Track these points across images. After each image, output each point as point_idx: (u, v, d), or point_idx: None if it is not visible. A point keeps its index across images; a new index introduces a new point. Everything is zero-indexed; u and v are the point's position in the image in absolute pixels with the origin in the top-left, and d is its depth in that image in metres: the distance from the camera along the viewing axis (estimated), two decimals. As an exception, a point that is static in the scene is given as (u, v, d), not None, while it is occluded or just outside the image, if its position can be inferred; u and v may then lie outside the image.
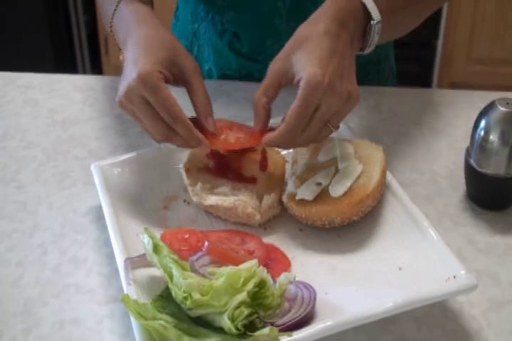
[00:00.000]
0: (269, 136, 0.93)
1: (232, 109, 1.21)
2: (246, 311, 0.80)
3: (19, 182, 1.09)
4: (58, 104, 1.24)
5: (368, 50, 1.00)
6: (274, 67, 0.96)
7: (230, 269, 0.82)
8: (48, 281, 0.94)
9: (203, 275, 0.85)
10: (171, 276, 0.83)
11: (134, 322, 0.81)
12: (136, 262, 0.88)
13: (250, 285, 0.81)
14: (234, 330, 0.79)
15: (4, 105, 1.25)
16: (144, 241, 0.87)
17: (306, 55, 0.93)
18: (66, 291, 0.93)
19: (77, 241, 0.99)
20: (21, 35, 2.66)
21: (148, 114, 0.93)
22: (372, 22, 0.96)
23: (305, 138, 0.93)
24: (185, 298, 0.80)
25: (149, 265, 0.87)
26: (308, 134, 0.92)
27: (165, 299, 0.83)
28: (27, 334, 0.88)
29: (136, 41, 0.97)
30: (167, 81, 0.95)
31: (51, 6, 2.66)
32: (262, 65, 1.25)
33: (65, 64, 2.77)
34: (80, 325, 0.89)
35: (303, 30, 0.96)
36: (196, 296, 0.80)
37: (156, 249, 0.86)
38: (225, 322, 0.79)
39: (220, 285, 0.80)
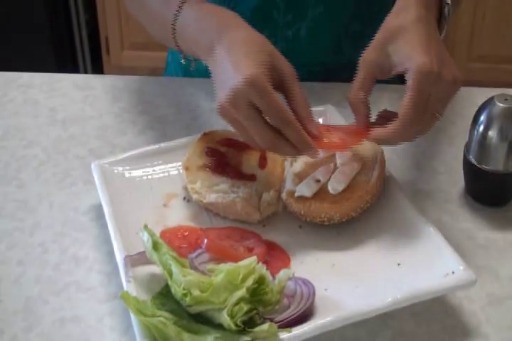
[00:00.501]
0: (382, 132, 0.91)
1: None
2: (245, 307, 0.80)
3: (20, 181, 1.09)
4: (59, 104, 1.25)
5: (443, 34, 0.98)
6: (368, 58, 0.93)
7: (229, 266, 0.82)
8: (48, 279, 0.94)
9: (203, 273, 0.85)
10: (170, 273, 0.83)
11: (133, 319, 0.81)
12: (135, 260, 0.89)
13: (249, 282, 0.81)
14: (233, 326, 0.79)
15: (5, 104, 1.25)
16: (143, 238, 0.87)
17: (407, 44, 0.91)
18: (67, 289, 0.93)
19: (77, 240, 1.00)
20: (22, 34, 2.66)
21: (255, 120, 0.88)
22: (446, 5, 0.96)
23: (416, 131, 0.91)
24: (185, 295, 0.80)
25: (149, 262, 0.87)
26: (420, 126, 0.91)
27: (164, 296, 0.83)
28: (28, 332, 0.88)
29: (230, 44, 0.93)
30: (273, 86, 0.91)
31: (52, 5, 2.66)
32: None
33: (66, 63, 2.77)
34: (80, 322, 0.89)
35: (393, 20, 0.94)
36: (196, 293, 0.80)
37: (155, 246, 0.86)
38: (224, 319, 0.79)
39: (219, 282, 0.80)
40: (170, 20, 1.01)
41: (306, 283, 0.87)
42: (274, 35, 1.23)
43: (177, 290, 0.81)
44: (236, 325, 0.79)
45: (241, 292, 0.80)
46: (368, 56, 0.93)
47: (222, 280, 0.80)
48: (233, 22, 0.97)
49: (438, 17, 0.98)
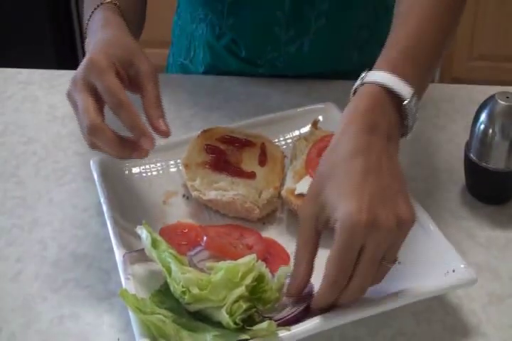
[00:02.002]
0: (315, 301, 0.81)
1: (232, 104, 1.21)
2: (244, 305, 0.80)
3: (19, 177, 1.09)
4: (58, 100, 1.24)
5: (410, 132, 0.86)
6: (305, 213, 0.81)
7: (228, 264, 0.82)
8: (47, 276, 0.94)
9: (202, 270, 0.85)
10: (169, 271, 0.83)
11: (132, 316, 0.81)
12: (134, 257, 0.88)
13: (249, 280, 0.80)
14: (232, 324, 0.79)
15: (4, 101, 1.25)
16: (142, 236, 0.87)
17: (335, 189, 0.78)
18: (65, 286, 0.93)
19: (76, 237, 0.99)
20: (22, 31, 2.66)
21: (85, 99, 0.87)
22: (404, 102, 0.82)
23: (359, 286, 0.79)
24: (184, 293, 0.80)
25: (148, 260, 0.87)
26: (360, 281, 0.78)
27: (163, 294, 0.83)
28: (26, 329, 0.88)
29: (96, 42, 0.94)
30: (122, 80, 0.90)
31: (53, 2, 2.66)
32: (262, 68, 1.25)
33: (67, 60, 2.77)
34: (79, 319, 0.89)
35: (326, 160, 0.81)
36: (195, 291, 0.80)
37: (154, 243, 0.85)
38: (223, 317, 0.79)
39: (219, 280, 0.80)
40: (85, 23, 1.03)
41: None
42: (278, 50, 1.23)
43: (176, 288, 0.81)
44: (235, 323, 0.79)
45: (240, 290, 0.79)
46: (304, 210, 0.81)
47: (222, 278, 0.80)
48: (107, 23, 0.99)
49: (398, 119, 0.84)
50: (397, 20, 0.93)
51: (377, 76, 0.83)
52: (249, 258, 0.82)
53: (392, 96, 0.82)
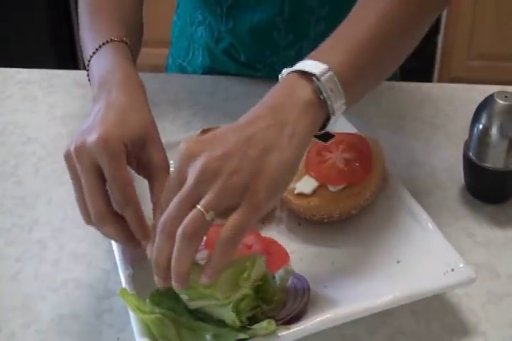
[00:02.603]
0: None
1: (231, 104, 1.21)
2: (250, 304, 0.80)
3: (18, 177, 1.09)
4: (58, 100, 1.24)
5: (337, 112, 0.81)
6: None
7: (233, 262, 0.81)
8: (47, 276, 0.94)
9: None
10: None
11: (132, 316, 0.81)
12: (134, 256, 0.88)
13: (254, 279, 0.80)
14: (238, 323, 0.78)
15: (3, 100, 1.25)
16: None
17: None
18: (65, 286, 0.93)
19: (76, 236, 0.99)
20: (22, 30, 2.66)
21: (94, 182, 0.80)
22: (313, 77, 0.80)
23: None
24: (188, 289, 0.79)
25: (148, 259, 0.87)
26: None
27: (161, 294, 0.82)
28: (26, 328, 0.88)
29: (110, 105, 0.85)
30: (130, 162, 0.83)
31: (52, 1, 2.66)
32: (261, 72, 1.25)
33: (66, 59, 2.77)
34: (78, 319, 0.89)
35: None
36: (200, 288, 0.79)
37: None
38: (229, 315, 0.78)
39: (225, 278, 0.79)
40: (88, 55, 0.97)
41: (298, 277, 0.87)
42: (277, 55, 1.22)
43: None
44: (241, 321, 0.79)
45: (246, 289, 0.79)
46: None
47: (228, 276, 0.79)
48: (125, 79, 0.90)
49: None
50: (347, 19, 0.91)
51: (296, 66, 0.83)
52: (254, 257, 0.82)
53: (304, 76, 0.81)
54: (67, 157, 0.82)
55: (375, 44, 0.86)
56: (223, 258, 0.75)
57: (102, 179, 0.80)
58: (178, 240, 0.73)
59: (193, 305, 0.80)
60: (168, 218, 0.74)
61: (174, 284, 0.76)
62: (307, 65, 0.81)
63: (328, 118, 0.81)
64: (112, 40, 0.96)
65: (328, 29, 1.19)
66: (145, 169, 0.84)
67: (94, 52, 0.95)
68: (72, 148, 0.81)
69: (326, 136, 0.85)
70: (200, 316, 0.81)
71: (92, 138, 0.79)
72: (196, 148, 0.76)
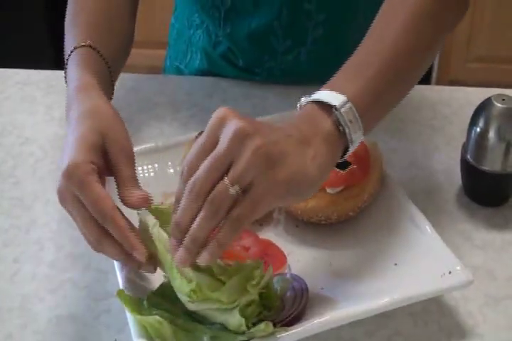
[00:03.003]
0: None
1: (229, 105, 1.20)
2: (257, 310, 0.80)
3: (16, 178, 1.09)
4: (56, 101, 1.24)
5: (352, 146, 0.82)
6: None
7: (241, 266, 0.81)
8: (44, 277, 0.94)
9: None
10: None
11: (129, 317, 0.81)
12: None
13: (261, 285, 0.80)
14: (245, 328, 0.78)
15: (2, 101, 1.24)
16: (148, 223, 0.83)
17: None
18: (62, 287, 0.93)
19: (73, 237, 0.99)
20: (20, 31, 2.66)
21: (79, 212, 0.80)
22: (334, 109, 0.80)
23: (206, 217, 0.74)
24: (194, 291, 0.78)
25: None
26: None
27: (158, 296, 0.82)
28: (23, 329, 0.88)
29: (73, 120, 0.86)
30: (102, 172, 0.82)
31: (50, 2, 2.66)
32: (260, 76, 1.25)
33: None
34: (76, 320, 0.89)
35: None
36: (205, 290, 0.78)
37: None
38: (235, 319, 0.78)
39: (234, 283, 0.79)
40: (66, 60, 0.97)
41: (297, 279, 0.87)
42: (275, 60, 1.22)
43: (183, 285, 0.78)
44: (247, 326, 0.78)
45: (253, 294, 0.79)
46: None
47: (236, 281, 0.79)
48: (84, 89, 0.89)
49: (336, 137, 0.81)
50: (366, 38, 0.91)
51: (313, 96, 0.83)
52: (258, 263, 0.81)
53: (323, 107, 0.81)
54: (60, 202, 0.82)
55: (393, 68, 0.87)
56: (231, 234, 0.75)
57: (86, 208, 0.80)
58: (205, 207, 0.74)
59: (193, 307, 0.79)
60: (197, 180, 0.74)
61: (181, 252, 0.76)
62: (326, 95, 0.82)
63: (346, 148, 0.82)
64: (75, 47, 0.96)
65: (326, 34, 1.19)
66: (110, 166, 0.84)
67: (66, 63, 0.96)
68: (57, 191, 0.81)
69: (344, 164, 0.92)
70: (198, 318, 0.81)
71: (61, 177, 0.80)
72: (230, 112, 0.79)
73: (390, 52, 0.87)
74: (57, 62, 2.82)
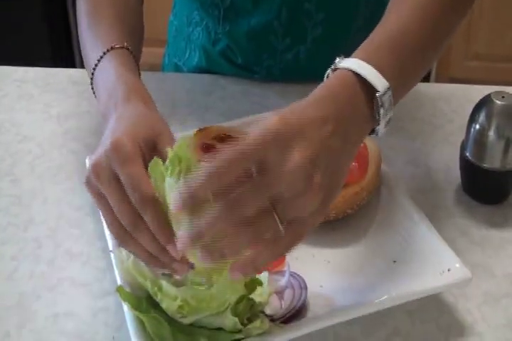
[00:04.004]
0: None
1: (228, 103, 1.21)
2: (248, 304, 0.80)
3: (14, 176, 1.09)
4: (54, 98, 1.24)
5: (382, 130, 0.79)
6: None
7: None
8: (42, 275, 0.94)
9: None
10: (159, 288, 0.79)
11: (128, 314, 0.81)
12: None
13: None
14: (239, 326, 0.78)
15: (-1, 99, 1.25)
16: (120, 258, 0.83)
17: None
18: (61, 285, 0.93)
19: (72, 235, 0.99)
20: (19, 28, 2.65)
21: (118, 192, 0.74)
22: (378, 96, 0.76)
23: (244, 235, 0.67)
24: (182, 307, 0.77)
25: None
26: (245, 212, 0.67)
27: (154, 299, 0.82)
28: (21, 327, 0.88)
29: (118, 118, 0.82)
30: (146, 165, 0.76)
31: (49, 0, 2.66)
32: (258, 75, 1.25)
33: (62, 58, 2.77)
34: (74, 318, 0.89)
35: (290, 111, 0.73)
36: (192, 302, 0.77)
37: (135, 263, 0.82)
38: (229, 320, 0.78)
39: (219, 289, 0.79)
40: (91, 68, 0.94)
41: (295, 276, 0.87)
42: (274, 58, 1.22)
43: (170, 304, 0.78)
44: (242, 323, 0.78)
45: (241, 289, 0.79)
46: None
47: (222, 285, 0.79)
48: (132, 94, 0.86)
49: (369, 115, 0.77)
50: (389, 9, 0.89)
51: (352, 62, 0.78)
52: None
53: (365, 87, 0.77)
54: (88, 182, 0.76)
55: (424, 52, 0.85)
56: (271, 259, 0.70)
57: (122, 189, 0.74)
58: (245, 233, 0.67)
59: (187, 320, 0.79)
60: (239, 203, 0.66)
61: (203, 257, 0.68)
62: (371, 73, 0.77)
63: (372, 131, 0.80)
64: (112, 47, 0.93)
65: (325, 34, 1.19)
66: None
67: (96, 64, 0.93)
68: (89, 168, 0.76)
69: None
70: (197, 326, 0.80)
71: (103, 148, 0.76)
72: (286, 138, 0.68)
73: (421, 35, 0.84)
74: (55, 59, 2.82)
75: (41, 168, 1.10)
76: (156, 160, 0.74)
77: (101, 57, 0.93)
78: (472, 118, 0.99)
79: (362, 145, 0.97)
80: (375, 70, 0.77)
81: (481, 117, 0.98)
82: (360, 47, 0.82)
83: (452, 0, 0.89)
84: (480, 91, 1.11)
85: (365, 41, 0.83)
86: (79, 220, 1.01)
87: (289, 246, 0.71)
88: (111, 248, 0.89)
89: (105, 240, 0.91)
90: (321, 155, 0.70)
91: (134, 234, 0.74)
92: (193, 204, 0.66)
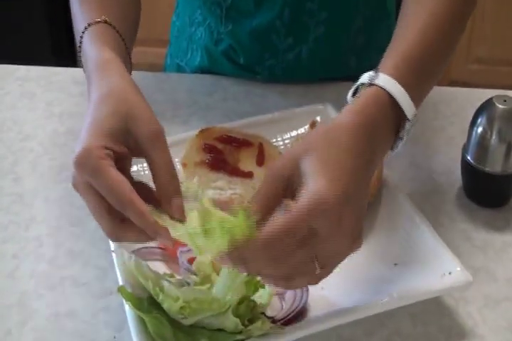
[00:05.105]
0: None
1: (229, 103, 1.21)
2: (250, 305, 0.80)
3: (16, 174, 1.09)
4: (56, 97, 1.24)
5: (397, 149, 0.84)
6: (275, 169, 0.76)
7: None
8: (43, 274, 0.94)
9: (188, 269, 0.85)
10: (161, 288, 0.80)
11: (129, 314, 0.81)
12: (143, 254, 0.88)
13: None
14: (241, 327, 0.78)
15: (1, 97, 1.24)
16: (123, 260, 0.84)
17: (319, 162, 0.74)
18: (62, 284, 0.93)
19: (73, 234, 0.99)
20: (20, 27, 2.65)
21: (94, 202, 0.76)
22: (407, 123, 0.81)
23: (283, 271, 0.73)
24: (183, 308, 0.77)
25: (145, 259, 0.86)
26: (289, 263, 0.72)
27: (155, 300, 0.82)
28: (22, 326, 0.88)
29: (93, 100, 0.81)
30: (121, 155, 0.77)
31: (50, -1, 2.66)
32: (260, 75, 1.25)
33: (64, 57, 2.77)
34: (75, 317, 0.89)
35: (316, 134, 0.78)
36: (193, 303, 0.78)
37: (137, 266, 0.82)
38: (230, 321, 0.78)
39: (219, 286, 0.79)
40: (78, 42, 0.93)
41: None
42: (276, 58, 1.22)
43: (171, 305, 0.78)
44: (243, 324, 0.78)
45: (242, 290, 0.79)
46: (274, 167, 0.76)
47: (224, 281, 0.79)
48: (102, 68, 0.85)
49: (393, 135, 0.83)
50: (402, 22, 0.90)
51: (387, 82, 0.81)
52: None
53: (397, 110, 0.81)
54: (74, 187, 0.79)
55: (441, 61, 0.89)
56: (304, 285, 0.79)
57: (99, 196, 0.76)
58: (281, 268, 0.73)
59: (189, 321, 0.79)
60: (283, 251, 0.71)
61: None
62: (402, 97, 0.80)
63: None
64: (89, 24, 0.92)
65: (328, 33, 1.19)
66: (138, 150, 0.79)
67: (79, 46, 0.92)
68: (71, 178, 0.78)
69: None
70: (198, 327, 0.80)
71: (74, 164, 0.77)
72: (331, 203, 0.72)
73: (440, 47, 0.88)
74: (57, 58, 2.82)
75: (43, 166, 1.10)
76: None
77: (83, 33, 0.92)
78: (474, 122, 0.99)
79: None
80: (406, 95, 0.81)
81: (483, 121, 0.98)
82: (387, 63, 0.84)
83: (460, 4, 0.91)
84: (481, 94, 1.11)
85: (389, 55, 0.85)
86: (80, 219, 1.01)
87: (321, 278, 0.77)
88: (112, 248, 0.89)
89: (106, 239, 0.90)
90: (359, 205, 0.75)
91: (118, 239, 0.78)
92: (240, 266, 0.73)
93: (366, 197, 0.77)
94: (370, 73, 0.82)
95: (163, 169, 0.77)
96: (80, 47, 0.92)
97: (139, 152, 0.78)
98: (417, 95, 0.83)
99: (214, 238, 0.71)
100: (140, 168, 1.03)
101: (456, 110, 1.20)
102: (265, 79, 1.25)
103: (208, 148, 1.02)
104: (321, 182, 0.71)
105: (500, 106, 0.97)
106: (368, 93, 0.80)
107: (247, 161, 1.01)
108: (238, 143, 1.03)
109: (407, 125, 0.82)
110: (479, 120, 0.99)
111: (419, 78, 0.84)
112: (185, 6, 1.30)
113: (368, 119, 0.78)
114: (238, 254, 0.71)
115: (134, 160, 0.98)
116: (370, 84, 0.81)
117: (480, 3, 1.00)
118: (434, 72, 0.88)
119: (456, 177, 1.06)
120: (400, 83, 0.80)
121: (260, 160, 1.02)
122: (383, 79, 0.81)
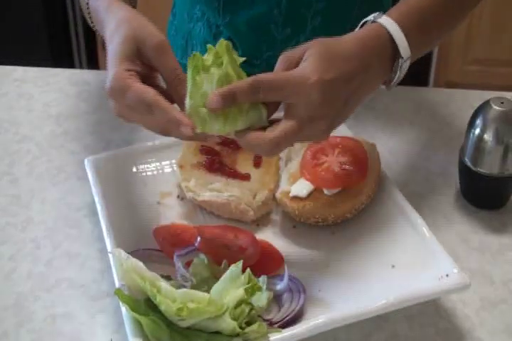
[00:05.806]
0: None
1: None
2: (247, 308, 0.80)
3: (13, 175, 1.09)
4: (53, 98, 1.24)
5: (392, 87, 0.94)
6: (286, 54, 0.89)
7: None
8: (40, 275, 0.94)
9: (183, 276, 0.85)
10: (158, 289, 0.80)
11: (126, 316, 0.81)
12: (140, 256, 0.88)
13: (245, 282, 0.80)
14: (237, 329, 0.78)
15: (-1, 98, 1.24)
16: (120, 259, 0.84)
17: (319, 52, 0.86)
18: (58, 286, 0.93)
19: (70, 236, 0.99)
20: (18, 28, 2.65)
21: (140, 120, 0.86)
22: (400, 60, 0.90)
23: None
24: (181, 309, 0.77)
25: (146, 260, 0.86)
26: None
27: (153, 302, 0.82)
28: (18, 328, 0.88)
29: (109, 34, 0.91)
30: (145, 75, 0.88)
31: (48, 0, 2.65)
32: (259, 68, 1.25)
33: (62, 58, 2.76)
34: (72, 319, 0.89)
35: (325, 38, 0.90)
36: (192, 305, 0.77)
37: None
38: (227, 324, 0.78)
39: (216, 288, 0.79)
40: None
41: (293, 280, 0.87)
42: (273, 49, 1.22)
43: (169, 306, 0.78)
44: (240, 327, 0.78)
45: (240, 293, 0.79)
46: (288, 52, 0.89)
47: (222, 285, 0.79)
48: (113, 5, 0.95)
49: (389, 68, 0.92)
50: None
51: (389, 23, 0.90)
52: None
53: (393, 48, 0.90)
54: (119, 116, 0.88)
55: (444, 22, 0.98)
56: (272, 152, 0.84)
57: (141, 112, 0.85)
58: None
59: (185, 323, 0.79)
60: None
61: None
62: (401, 38, 0.90)
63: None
64: None
65: (325, 23, 1.20)
66: (150, 64, 0.89)
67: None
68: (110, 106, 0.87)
69: None
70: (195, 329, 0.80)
71: (107, 90, 0.85)
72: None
73: (445, 14, 0.97)
74: (54, 59, 2.81)
75: (40, 168, 1.10)
76: (196, 55, 0.85)
77: None
78: (471, 124, 0.99)
79: (361, 150, 0.97)
80: (405, 38, 0.90)
81: (480, 123, 0.98)
82: (396, 7, 0.94)
83: None
84: (478, 96, 1.11)
85: (402, 3, 0.95)
86: (77, 221, 1.01)
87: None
88: (109, 249, 0.89)
89: (103, 241, 0.91)
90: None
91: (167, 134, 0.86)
92: (228, 104, 0.83)
93: (353, 102, 0.87)
94: (375, 14, 0.93)
95: (172, 73, 0.87)
96: (87, 3, 1.01)
97: (151, 65, 0.89)
98: (414, 42, 0.90)
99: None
100: (137, 170, 1.04)
101: (453, 111, 1.20)
102: (263, 72, 1.24)
103: (205, 150, 1.02)
104: (314, 64, 0.84)
105: (497, 108, 0.97)
106: (370, 27, 0.91)
107: (244, 163, 1.01)
108: (235, 145, 1.03)
109: (400, 61, 0.90)
110: (476, 122, 0.99)
111: (420, 28, 0.92)
112: (183, 3, 1.31)
113: (367, 43, 0.89)
114: (228, 91, 0.83)
115: (134, 161, 0.98)
116: (373, 22, 0.92)
117: (478, 5, 1.01)
118: (438, 29, 0.97)
119: (453, 179, 1.06)
120: (399, 25, 0.90)
121: (257, 162, 1.01)
122: (384, 19, 0.91)
